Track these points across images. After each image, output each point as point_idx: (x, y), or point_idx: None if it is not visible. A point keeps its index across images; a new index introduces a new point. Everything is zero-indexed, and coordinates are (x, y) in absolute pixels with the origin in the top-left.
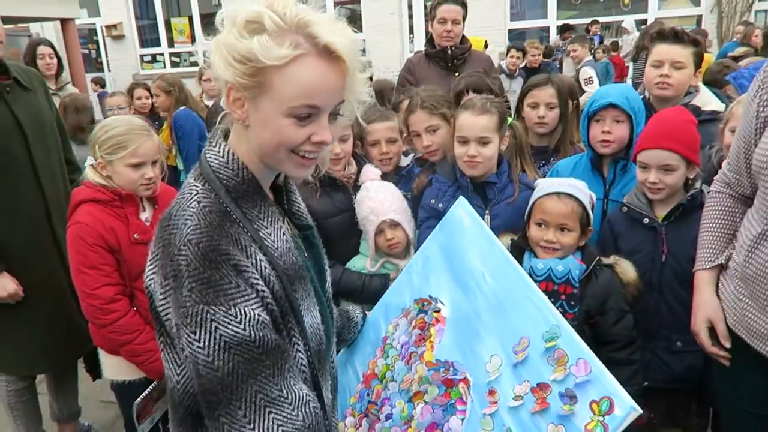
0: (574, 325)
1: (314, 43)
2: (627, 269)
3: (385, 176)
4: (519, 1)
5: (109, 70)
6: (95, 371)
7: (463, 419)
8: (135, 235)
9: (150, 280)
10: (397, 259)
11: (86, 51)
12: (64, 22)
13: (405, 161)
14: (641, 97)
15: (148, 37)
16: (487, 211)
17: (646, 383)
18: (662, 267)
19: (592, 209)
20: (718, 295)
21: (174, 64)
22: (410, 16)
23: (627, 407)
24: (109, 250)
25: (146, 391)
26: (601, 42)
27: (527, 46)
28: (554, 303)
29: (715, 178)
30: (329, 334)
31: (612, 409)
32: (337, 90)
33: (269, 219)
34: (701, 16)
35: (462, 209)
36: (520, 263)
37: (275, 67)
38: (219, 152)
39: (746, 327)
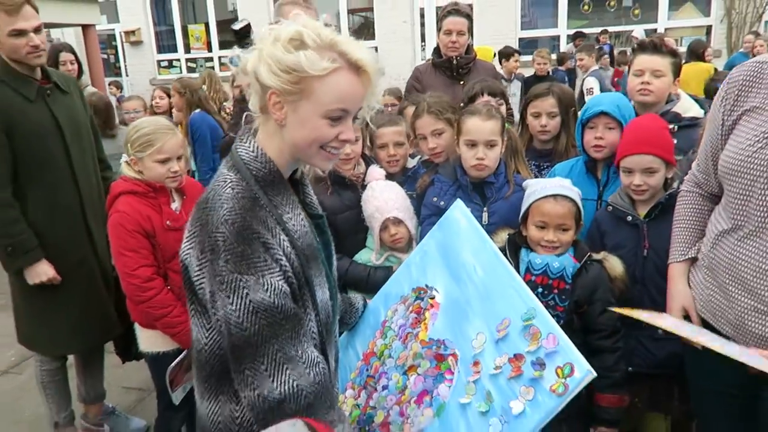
0: (564, 315)
1: (346, 59)
2: (615, 265)
3: (392, 177)
4: (530, 10)
5: (127, 75)
6: (125, 354)
7: (450, 386)
8: (168, 222)
9: (186, 254)
10: (400, 253)
11: (105, 56)
12: (85, 27)
13: (411, 163)
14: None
15: (165, 43)
16: (485, 209)
17: (630, 368)
18: (644, 261)
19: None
20: (690, 285)
21: (190, 70)
22: (422, 25)
23: (584, 371)
24: (145, 236)
25: (178, 359)
26: (611, 51)
27: (536, 55)
28: (547, 296)
29: (685, 178)
30: (335, 309)
31: (572, 372)
32: (362, 97)
33: (290, 206)
34: (711, 26)
35: (459, 211)
36: (517, 259)
37: (317, 77)
38: (249, 147)
39: (711, 311)
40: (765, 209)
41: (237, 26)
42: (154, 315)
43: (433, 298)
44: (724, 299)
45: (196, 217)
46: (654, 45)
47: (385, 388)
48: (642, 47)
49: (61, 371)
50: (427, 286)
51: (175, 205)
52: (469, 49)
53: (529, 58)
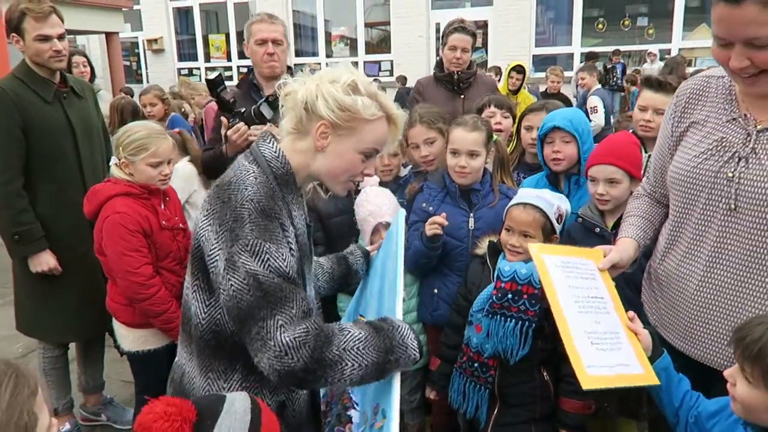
0: (534, 320)
1: (386, 110)
2: None
3: (384, 185)
4: (545, 28)
5: (148, 82)
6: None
7: None
8: (163, 222)
9: (203, 230)
10: None
11: (128, 63)
12: (109, 35)
13: (403, 172)
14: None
15: (186, 51)
16: (471, 214)
17: None
18: None
19: (561, 221)
20: (642, 299)
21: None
22: (437, 39)
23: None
24: (144, 235)
25: None
26: (623, 71)
27: (549, 73)
28: (518, 301)
29: (634, 192)
30: (317, 308)
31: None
32: (387, 142)
33: (298, 205)
34: None
35: (398, 218)
36: (495, 264)
37: (366, 120)
38: (273, 148)
39: (662, 324)
40: (704, 220)
41: (211, 76)
42: (155, 311)
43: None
44: (672, 312)
45: (216, 196)
46: (659, 83)
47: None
48: (648, 83)
49: (62, 360)
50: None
51: (162, 207)
52: (470, 64)
53: (540, 75)
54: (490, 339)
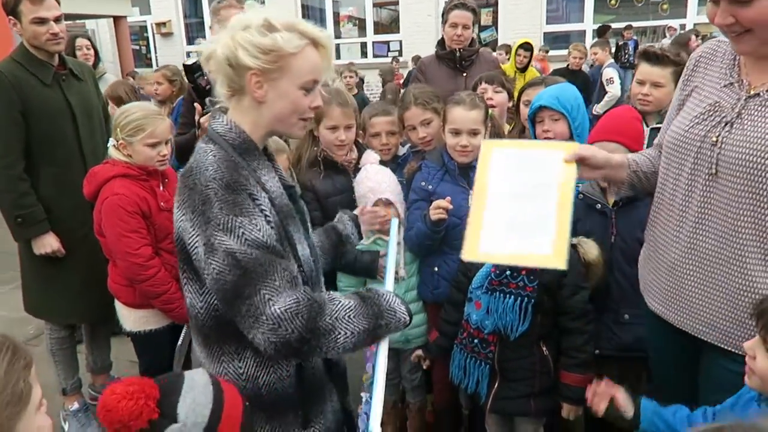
0: (533, 295)
1: (309, 37)
2: (589, 249)
3: (383, 164)
4: (558, 5)
5: (158, 65)
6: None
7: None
8: (162, 203)
9: (180, 222)
10: (387, 236)
11: (137, 47)
12: (117, 19)
13: (402, 150)
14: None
15: (195, 34)
16: (471, 191)
17: (597, 351)
18: (611, 247)
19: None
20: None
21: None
22: None
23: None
24: (143, 216)
25: (182, 336)
26: (635, 47)
27: (572, 49)
28: (516, 277)
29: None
30: (317, 265)
31: None
32: (323, 68)
33: (266, 169)
34: None
35: (392, 226)
36: None
37: (293, 54)
38: (223, 122)
39: (646, 289)
40: (690, 186)
41: (189, 62)
42: (155, 292)
43: None
44: (655, 275)
45: (183, 185)
46: (656, 55)
47: None
48: (645, 56)
49: (68, 340)
50: None
51: (161, 188)
52: (473, 41)
53: (558, 52)
54: (489, 315)
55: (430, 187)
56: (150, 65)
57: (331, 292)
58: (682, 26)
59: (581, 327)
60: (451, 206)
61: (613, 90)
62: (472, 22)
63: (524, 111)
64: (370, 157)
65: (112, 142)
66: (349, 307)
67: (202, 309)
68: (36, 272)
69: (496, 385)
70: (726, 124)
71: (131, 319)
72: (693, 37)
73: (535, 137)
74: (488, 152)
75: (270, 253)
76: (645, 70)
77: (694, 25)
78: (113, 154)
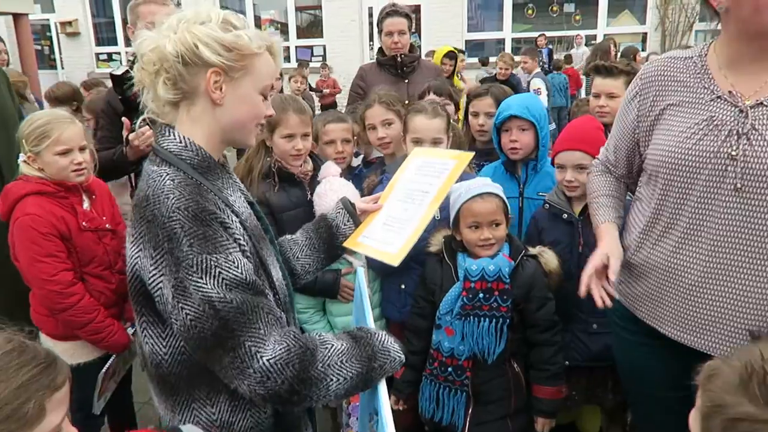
0: (507, 315)
1: (265, 40)
2: (549, 259)
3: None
4: (477, 13)
5: (63, 68)
6: None
7: None
8: (84, 223)
9: (135, 259)
10: (349, 256)
11: (39, 47)
12: (17, 17)
13: (355, 161)
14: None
15: (104, 35)
16: None
17: (567, 362)
18: (579, 256)
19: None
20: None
21: (131, 64)
22: (371, 24)
23: None
24: (60, 238)
25: (108, 364)
26: (549, 54)
27: (499, 59)
28: (489, 299)
29: (591, 168)
30: (290, 289)
31: None
32: (274, 75)
33: (231, 188)
34: (646, 33)
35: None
36: (455, 263)
37: (256, 55)
38: (176, 139)
39: (652, 314)
40: (704, 203)
41: (118, 72)
42: (78, 322)
43: None
44: (663, 301)
45: (139, 217)
46: (606, 68)
47: None
48: (596, 70)
49: None
50: None
51: (85, 205)
52: (412, 47)
53: (474, 60)
54: (464, 341)
55: None
56: (54, 67)
57: (322, 333)
58: (593, 36)
59: (550, 338)
60: None
61: (541, 100)
62: (407, 27)
63: (473, 122)
64: (332, 169)
65: (21, 156)
66: (341, 351)
67: (167, 355)
68: None
69: (470, 411)
70: (740, 137)
71: (57, 352)
72: (613, 46)
73: (500, 146)
74: (411, 157)
75: (250, 293)
76: (598, 83)
77: (604, 35)
78: (24, 170)
